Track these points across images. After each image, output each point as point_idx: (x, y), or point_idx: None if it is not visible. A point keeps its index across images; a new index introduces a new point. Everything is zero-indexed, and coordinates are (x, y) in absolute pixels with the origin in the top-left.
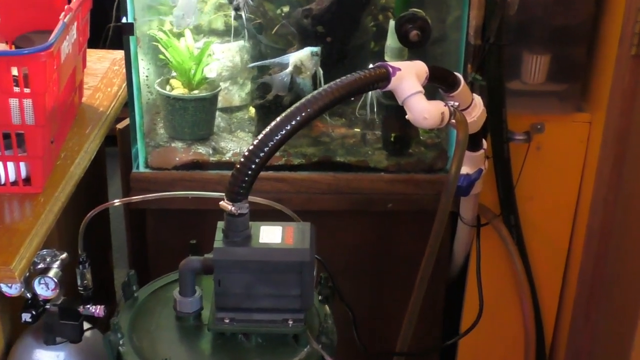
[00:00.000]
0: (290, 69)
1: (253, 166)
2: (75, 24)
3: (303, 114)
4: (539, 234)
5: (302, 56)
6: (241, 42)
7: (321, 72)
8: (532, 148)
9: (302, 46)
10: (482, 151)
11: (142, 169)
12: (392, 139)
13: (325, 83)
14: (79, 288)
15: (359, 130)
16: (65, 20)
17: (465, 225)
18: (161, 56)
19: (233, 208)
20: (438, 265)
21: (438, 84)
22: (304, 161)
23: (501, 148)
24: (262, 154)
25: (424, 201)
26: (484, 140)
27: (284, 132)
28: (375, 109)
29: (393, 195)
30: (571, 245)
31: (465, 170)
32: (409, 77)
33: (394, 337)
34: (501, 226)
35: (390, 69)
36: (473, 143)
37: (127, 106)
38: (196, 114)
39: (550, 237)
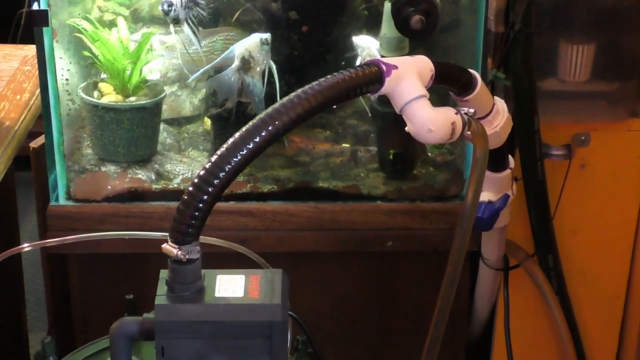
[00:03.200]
0: (236, 63)
1: (205, 197)
2: None
3: (271, 128)
4: (585, 278)
5: (249, 45)
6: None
7: (273, 66)
8: (575, 166)
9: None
10: (508, 171)
11: (62, 201)
12: (391, 157)
13: (297, 86)
14: None
15: (348, 146)
16: None
17: (488, 269)
18: (86, 52)
19: (180, 252)
20: (454, 322)
21: (448, 85)
22: (276, 188)
23: (533, 167)
24: (217, 181)
25: (434, 238)
26: (510, 158)
27: (245, 151)
28: (369, 118)
29: (393, 231)
30: (629, 293)
31: (486, 196)
32: (408, 77)
33: None
34: (536, 269)
35: (384, 67)
36: (496, 161)
37: (42, 118)
38: (133, 128)
39: (600, 283)
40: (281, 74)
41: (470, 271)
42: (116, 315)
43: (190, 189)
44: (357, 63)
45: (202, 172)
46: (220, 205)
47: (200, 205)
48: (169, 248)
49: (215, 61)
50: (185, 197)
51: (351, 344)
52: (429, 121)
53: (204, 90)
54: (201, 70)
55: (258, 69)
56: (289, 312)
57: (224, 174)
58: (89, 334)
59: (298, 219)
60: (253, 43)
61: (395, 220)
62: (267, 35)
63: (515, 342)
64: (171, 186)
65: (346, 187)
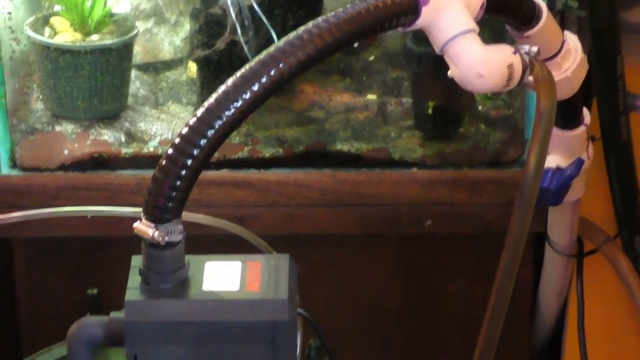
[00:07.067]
0: None
1: (189, 162)
2: None
3: (273, 72)
4: None
5: None
6: None
7: None
8: None
9: None
10: (582, 129)
11: (5, 170)
12: (430, 112)
13: (307, 19)
14: None
15: (374, 97)
16: None
17: (557, 256)
18: None
19: (157, 233)
20: (513, 324)
21: (504, 17)
22: (282, 152)
23: (616, 123)
24: (204, 141)
25: (486, 216)
26: (585, 111)
27: (240, 102)
28: (402, 61)
29: (433, 207)
30: None
31: (554, 161)
32: (452, 6)
33: None
34: (619, 255)
35: None
36: (567, 116)
37: None
38: (96, 76)
39: None
40: (287, 5)
41: (534, 259)
42: (75, 316)
43: (170, 151)
44: None
45: (185, 131)
46: (210, 174)
47: (183, 172)
48: (143, 228)
49: None
50: (164, 163)
51: (378, 351)
52: (478, 63)
53: (187, 26)
54: None
55: None
56: (299, 310)
57: (213, 132)
58: (40, 340)
59: (310, 191)
60: None
61: (436, 192)
62: None
63: (592, 347)
64: (145, 150)
65: (372, 151)
